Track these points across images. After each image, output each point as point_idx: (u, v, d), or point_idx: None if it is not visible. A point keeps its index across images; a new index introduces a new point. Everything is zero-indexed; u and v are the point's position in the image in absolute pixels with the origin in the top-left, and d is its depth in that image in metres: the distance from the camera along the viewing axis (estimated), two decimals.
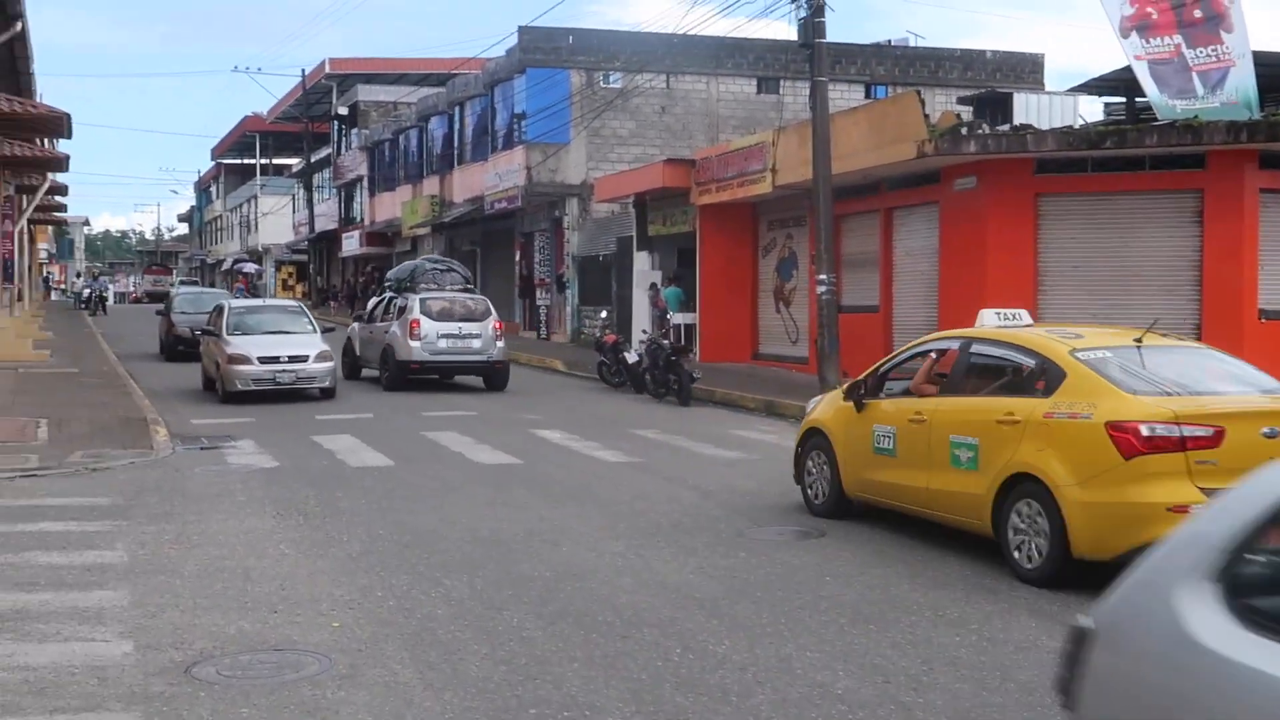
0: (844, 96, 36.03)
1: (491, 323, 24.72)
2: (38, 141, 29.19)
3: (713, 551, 9.97)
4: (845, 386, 11.70)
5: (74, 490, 12.74)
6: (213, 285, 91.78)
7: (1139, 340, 9.64)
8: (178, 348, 30.71)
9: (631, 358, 24.29)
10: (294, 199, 73.45)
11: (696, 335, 29.21)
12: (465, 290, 26.34)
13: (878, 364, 11.73)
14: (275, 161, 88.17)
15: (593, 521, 11.24)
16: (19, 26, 22.94)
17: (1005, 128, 21.57)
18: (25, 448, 15.21)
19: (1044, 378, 9.43)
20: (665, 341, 24.51)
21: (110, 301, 66.68)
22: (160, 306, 35.37)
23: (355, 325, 28.12)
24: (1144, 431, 8.56)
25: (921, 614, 8.10)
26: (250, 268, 77.83)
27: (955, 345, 10.73)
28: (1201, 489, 8.30)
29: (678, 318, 29.43)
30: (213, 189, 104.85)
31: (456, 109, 46.26)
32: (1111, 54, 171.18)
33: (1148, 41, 19.94)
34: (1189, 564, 3.59)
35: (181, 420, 18.95)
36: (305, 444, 16.47)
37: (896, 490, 10.66)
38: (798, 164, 24.28)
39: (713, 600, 8.43)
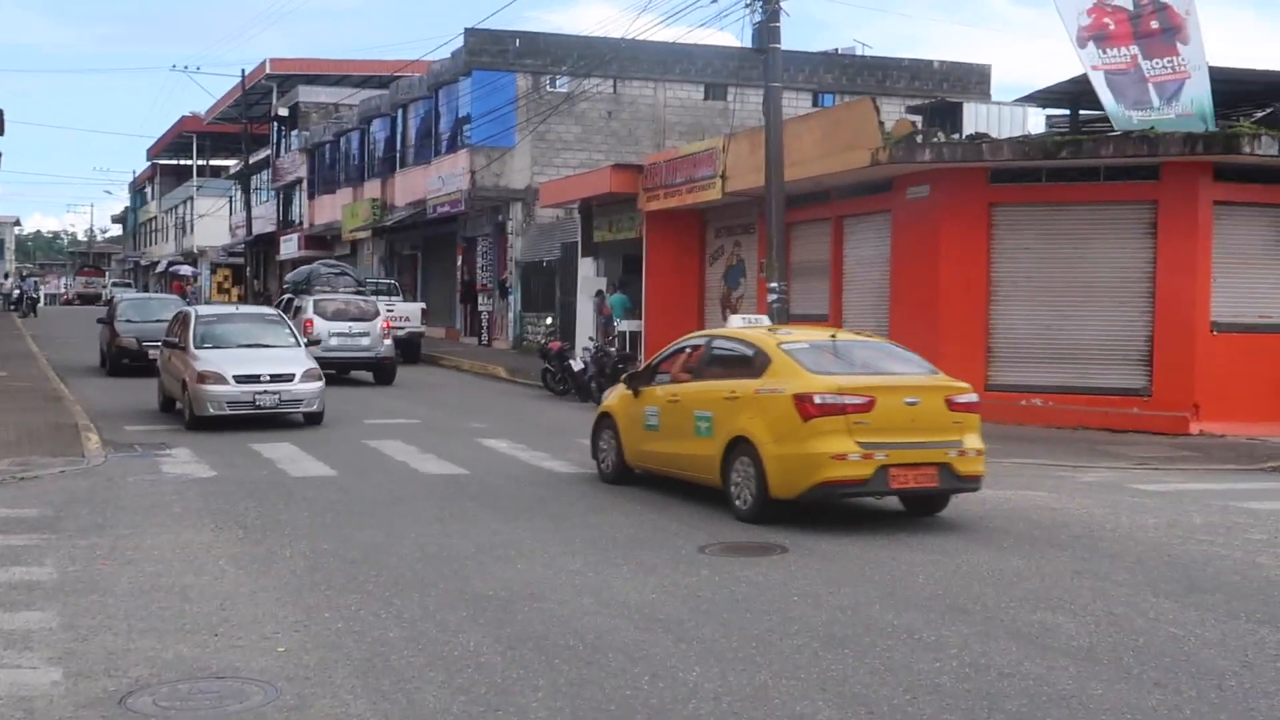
0: (791, 105, 35.67)
1: (380, 322, 27.04)
2: None
3: (673, 569, 9.59)
4: (625, 378, 14.36)
5: None
6: (147, 288, 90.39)
7: (834, 336, 12.50)
8: (122, 360, 27.74)
9: (577, 365, 23.95)
10: (231, 201, 72.33)
11: (642, 343, 28.82)
12: (357, 293, 29.17)
13: (651, 359, 14.46)
14: (213, 163, 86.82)
15: (546, 536, 10.82)
16: None
17: (958, 137, 21.41)
18: None
19: (757, 364, 11.97)
20: (611, 349, 24.19)
21: (41, 304, 65.24)
22: (102, 314, 31.10)
23: None
24: (817, 400, 11.12)
25: (897, 637, 7.75)
26: (185, 270, 76.59)
27: (703, 342, 13.45)
28: (858, 443, 10.99)
29: (624, 325, 29.08)
30: (148, 190, 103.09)
31: (399, 111, 45.64)
32: (1054, 68, 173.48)
33: (1104, 52, 19.81)
34: None
35: (114, 426, 18.31)
36: (244, 452, 15.93)
37: (661, 458, 13.09)
38: (748, 170, 23.99)
39: (678, 622, 8.04)
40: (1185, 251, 19.48)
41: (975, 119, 24.26)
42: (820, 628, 7.96)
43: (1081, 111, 25.37)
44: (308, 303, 27.12)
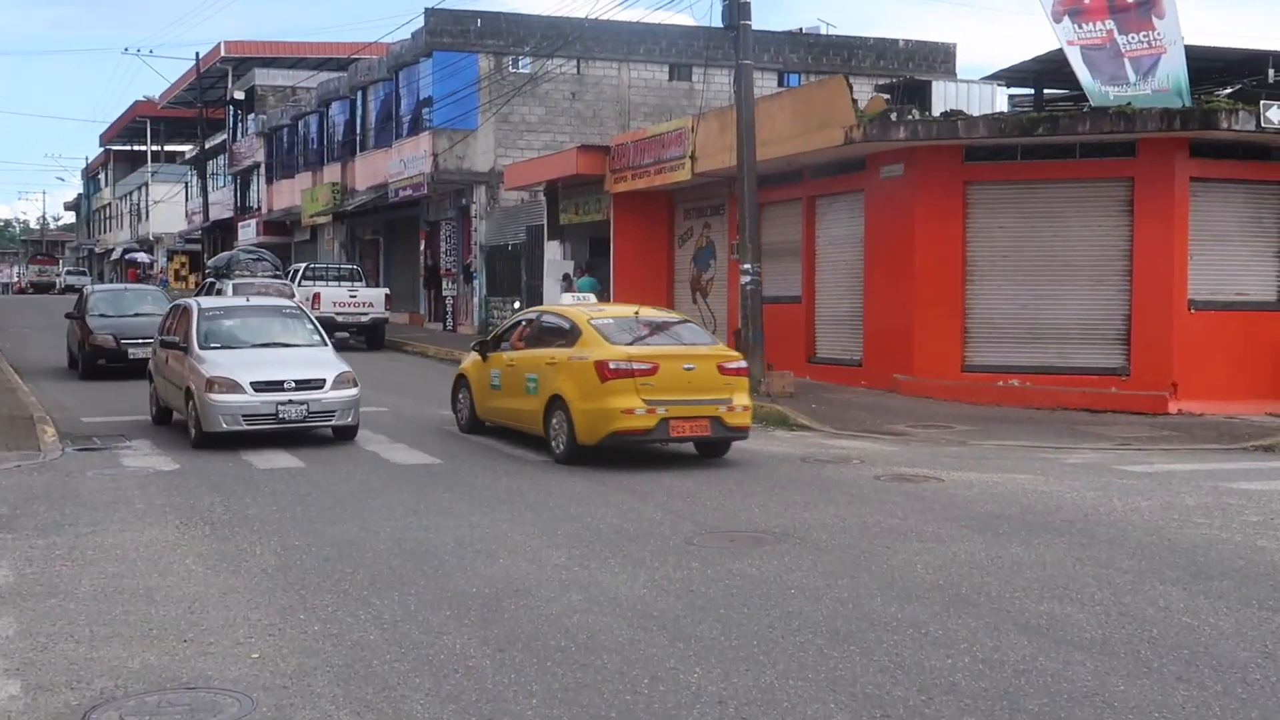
0: (756, 84, 35.23)
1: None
2: None
3: (663, 562, 9.20)
4: (475, 345, 16.98)
5: None
6: (102, 276, 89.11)
7: (637, 313, 14.81)
8: (97, 361, 23.92)
9: None
10: (187, 186, 71.26)
11: None
12: (275, 277, 30.84)
13: (498, 329, 17.07)
14: (167, 148, 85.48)
15: (528, 529, 10.42)
16: None
17: (930, 115, 21.09)
18: None
19: (572, 335, 14.32)
20: None
21: None
22: (71, 309, 26.37)
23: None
24: (611, 366, 13.45)
25: (903, 632, 7.40)
26: (141, 257, 75.50)
27: (535, 316, 15.95)
28: (645, 400, 13.34)
29: None
30: (101, 176, 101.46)
31: (359, 94, 44.89)
32: (1016, 48, 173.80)
33: (1080, 26, 19.54)
34: None
35: (70, 418, 17.75)
36: None
37: (502, 412, 15.62)
38: (719, 150, 23.61)
39: (673, 619, 7.67)
40: (1162, 229, 19.26)
41: (944, 97, 23.92)
42: (822, 623, 7.60)
43: (1046, 90, 25.16)
44: (227, 286, 28.89)
